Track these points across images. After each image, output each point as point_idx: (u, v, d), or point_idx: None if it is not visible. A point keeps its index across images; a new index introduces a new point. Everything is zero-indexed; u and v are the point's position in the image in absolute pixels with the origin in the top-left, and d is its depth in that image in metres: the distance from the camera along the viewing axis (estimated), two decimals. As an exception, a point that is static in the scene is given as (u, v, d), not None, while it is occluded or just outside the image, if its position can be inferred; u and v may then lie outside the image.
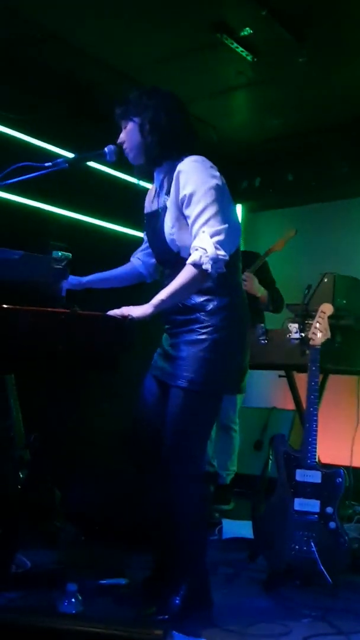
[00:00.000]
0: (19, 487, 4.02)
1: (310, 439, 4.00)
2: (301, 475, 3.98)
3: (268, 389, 7.04)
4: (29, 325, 2.75)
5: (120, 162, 3.56)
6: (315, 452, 3.99)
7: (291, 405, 5.71)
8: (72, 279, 3.64)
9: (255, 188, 7.49)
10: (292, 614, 3.58)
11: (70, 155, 3.57)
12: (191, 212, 3.26)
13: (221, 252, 3.16)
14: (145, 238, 3.80)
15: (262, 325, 5.17)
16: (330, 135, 6.82)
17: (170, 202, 3.39)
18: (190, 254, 3.21)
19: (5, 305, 2.69)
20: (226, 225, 3.22)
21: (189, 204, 3.27)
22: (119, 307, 3.12)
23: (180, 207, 3.33)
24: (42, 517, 4.46)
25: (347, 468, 4.11)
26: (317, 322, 4.26)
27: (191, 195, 3.26)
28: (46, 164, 3.36)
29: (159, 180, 3.54)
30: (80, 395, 3.91)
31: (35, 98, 5.67)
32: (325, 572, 3.74)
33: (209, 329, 3.35)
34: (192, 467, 3.44)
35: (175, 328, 3.48)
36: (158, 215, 3.50)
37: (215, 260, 3.14)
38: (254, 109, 6.64)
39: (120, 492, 4.51)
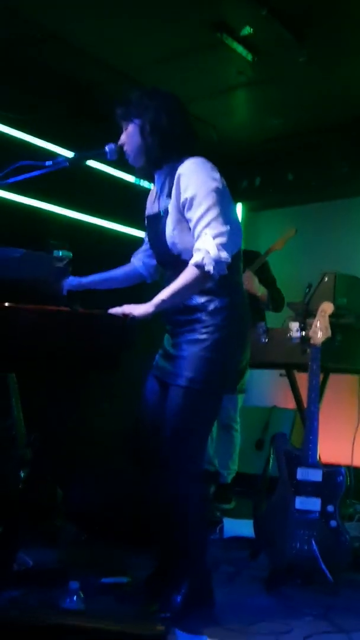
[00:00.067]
0: (20, 486, 4.03)
1: (311, 438, 4.01)
2: (302, 473, 3.98)
3: (269, 388, 7.05)
4: (30, 324, 2.75)
5: (121, 161, 3.56)
6: (316, 450, 4.00)
7: (292, 404, 5.71)
8: (72, 280, 3.65)
9: (256, 187, 7.50)
10: (293, 612, 3.58)
11: (71, 154, 3.57)
12: (193, 214, 3.26)
13: (224, 254, 3.17)
14: (146, 239, 3.81)
15: (263, 324, 5.17)
16: (330, 135, 6.83)
17: (171, 206, 3.39)
18: (191, 256, 3.22)
19: (6, 304, 2.70)
20: (228, 227, 3.22)
21: (190, 207, 3.28)
22: (120, 306, 3.12)
23: (181, 210, 3.33)
24: (43, 516, 4.47)
25: (347, 467, 4.10)
26: (318, 320, 4.26)
27: (192, 198, 3.27)
28: (46, 163, 3.36)
29: (160, 182, 3.54)
30: (81, 394, 3.90)
31: (35, 98, 5.68)
32: (326, 571, 3.75)
33: (210, 329, 3.36)
34: (191, 466, 3.44)
35: (176, 328, 3.48)
36: (159, 218, 3.50)
37: (217, 262, 3.15)
38: (254, 109, 6.65)
39: (121, 491, 4.52)
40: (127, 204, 4.99)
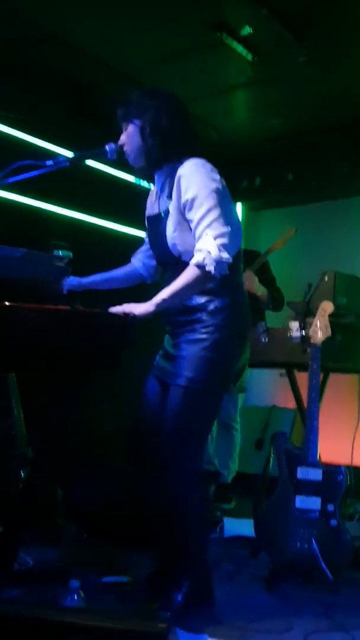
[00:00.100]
0: (21, 485, 4.04)
1: (311, 437, 4.02)
2: (302, 472, 3.99)
3: (269, 388, 7.06)
4: (30, 323, 2.75)
5: (121, 161, 3.57)
6: (317, 449, 4.00)
7: (292, 404, 5.72)
8: (73, 280, 3.65)
9: (256, 187, 7.50)
10: (294, 611, 3.59)
11: (71, 154, 3.58)
12: (194, 215, 3.27)
13: (225, 255, 3.17)
14: (146, 240, 3.81)
15: (263, 323, 5.18)
16: (330, 134, 6.83)
17: (172, 207, 3.39)
18: (192, 257, 3.22)
19: (7, 303, 2.70)
20: (229, 228, 3.23)
21: (191, 208, 3.28)
22: (120, 305, 3.13)
23: (182, 211, 3.33)
24: (44, 516, 4.47)
25: (347, 467, 4.10)
26: (318, 320, 4.26)
27: (193, 200, 3.27)
28: (47, 162, 3.37)
29: (160, 183, 3.54)
30: (81, 394, 3.91)
31: (35, 98, 5.68)
32: (326, 569, 3.76)
33: (210, 329, 3.36)
34: (191, 465, 3.43)
35: (177, 329, 3.48)
36: (160, 219, 3.50)
37: (218, 262, 3.16)
38: (254, 109, 6.65)
39: (121, 491, 4.52)
40: (128, 204, 4.99)
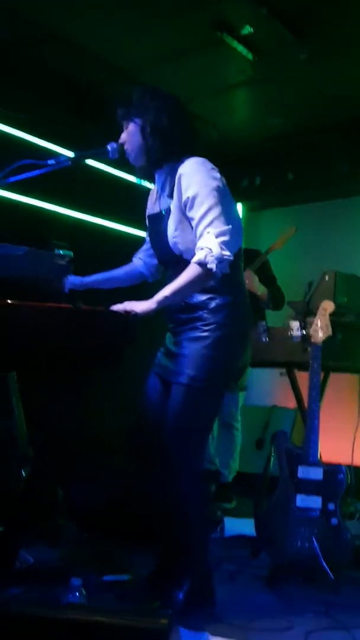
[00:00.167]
0: (22, 485, 4.04)
1: (311, 436, 4.02)
2: (303, 472, 3.99)
3: (269, 388, 7.05)
4: (32, 321, 2.76)
5: (123, 161, 3.57)
6: (317, 449, 4.00)
7: (292, 404, 5.72)
8: (74, 279, 3.66)
9: (256, 187, 7.51)
10: (294, 609, 3.59)
11: (71, 154, 3.59)
12: (195, 214, 3.27)
13: (226, 253, 3.18)
14: (147, 239, 3.82)
15: (264, 323, 5.18)
16: (330, 134, 6.84)
17: (173, 205, 3.40)
18: (193, 256, 3.23)
19: (9, 301, 2.71)
20: (230, 226, 3.23)
21: (192, 206, 3.29)
22: (121, 303, 3.14)
23: (183, 209, 3.34)
24: (44, 515, 4.47)
25: (348, 466, 4.10)
26: (319, 319, 4.27)
27: (194, 198, 3.28)
28: (49, 162, 3.37)
29: (160, 182, 3.55)
30: (83, 393, 3.91)
31: (35, 98, 5.68)
32: (327, 568, 3.76)
33: (211, 327, 3.37)
34: (192, 463, 3.44)
35: (178, 326, 3.49)
36: (161, 218, 3.51)
37: (220, 260, 3.16)
38: (255, 108, 6.66)
39: (122, 490, 4.52)
40: (129, 203, 4.99)
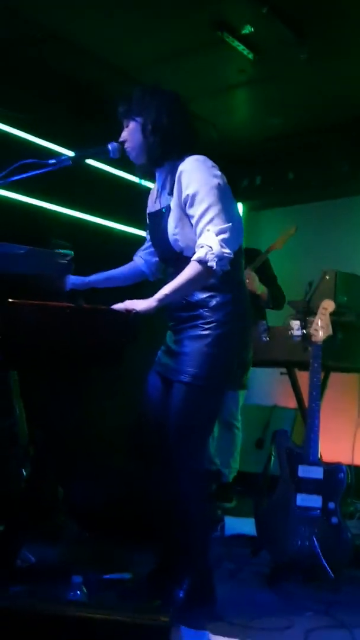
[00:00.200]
0: (23, 485, 4.04)
1: (312, 435, 4.02)
2: (303, 471, 4.00)
3: (270, 387, 7.05)
4: (33, 320, 2.77)
5: (123, 160, 3.58)
6: (317, 448, 4.01)
7: (293, 404, 5.73)
8: (75, 279, 3.67)
9: (256, 186, 7.52)
10: (295, 608, 3.60)
11: (71, 154, 3.59)
12: (195, 211, 3.28)
13: (226, 250, 3.18)
14: (148, 237, 3.83)
15: (264, 322, 5.18)
16: (330, 134, 6.84)
17: (173, 203, 3.41)
18: (193, 253, 3.23)
19: (10, 300, 2.71)
20: (230, 224, 3.24)
21: (192, 204, 3.29)
22: (122, 301, 3.14)
23: (183, 207, 3.35)
24: (45, 514, 4.47)
25: (348, 466, 4.11)
26: (319, 318, 4.27)
27: (194, 195, 3.28)
28: (50, 161, 3.37)
29: (161, 180, 3.56)
30: (83, 391, 3.92)
31: (35, 98, 5.68)
32: (327, 567, 3.76)
33: (212, 325, 3.37)
34: (193, 462, 3.44)
35: (179, 325, 3.49)
36: (161, 216, 3.51)
37: (220, 258, 3.17)
38: (255, 108, 6.66)
39: (122, 489, 4.52)
40: (129, 203, 4.99)
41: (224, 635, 3.17)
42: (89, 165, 5.64)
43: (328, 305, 4.33)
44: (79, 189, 5.84)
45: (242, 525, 4.92)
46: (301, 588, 3.87)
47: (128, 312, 3.06)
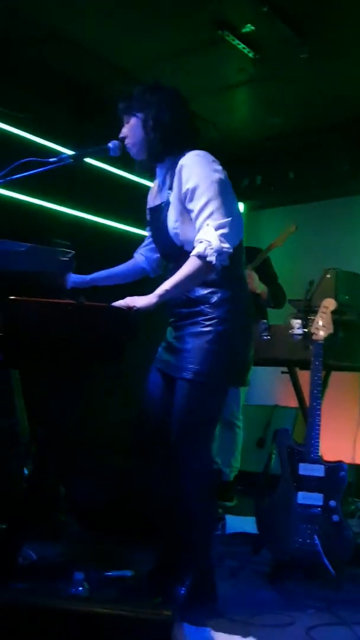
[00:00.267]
0: (24, 481, 4.05)
1: (313, 434, 4.02)
2: (304, 469, 3.99)
3: (271, 387, 7.06)
4: (35, 317, 2.78)
5: (124, 159, 3.59)
6: (318, 446, 4.01)
7: (294, 403, 5.73)
8: (76, 277, 3.67)
9: (257, 186, 7.53)
10: (296, 605, 3.60)
11: (72, 153, 3.61)
12: (194, 205, 3.28)
13: (225, 245, 3.18)
14: (149, 233, 3.83)
15: (265, 321, 5.18)
16: (330, 133, 6.85)
17: (173, 197, 3.41)
18: (194, 247, 3.24)
19: (12, 297, 2.72)
20: (230, 219, 3.24)
21: (192, 198, 3.30)
22: (122, 298, 3.15)
23: (183, 201, 3.35)
24: (47, 512, 4.48)
25: (349, 465, 4.11)
26: (320, 317, 4.27)
27: (194, 189, 3.29)
28: (50, 159, 3.38)
29: (162, 176, 3.57)
30: (85, 389, 3.92)
31: (35, 98, 5.69)
32: (328, 565, 3.76)
33: (213, 321, 3.37)
34: (198, 459, 3.43)
35: (179, 321, 3.49)
36: (161, 210, 3.52)
37: (219, 253, 3.17)
38: (255, 107, 6.66)
39: (123, 488, 4.53)
40: (129, 202, 5.00)
41: (225, 632, 3.17)
42: (89, 164, 5.65)
43: (329, 303, 4.33)
44: (79, 189, 5.85)
45: (243, 523, 4.93)
46: (302, 586, 3.87)
47: (129, 308, 3.07)
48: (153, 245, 3.76)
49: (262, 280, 5.60)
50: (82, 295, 3.07)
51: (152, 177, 3.70)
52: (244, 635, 3.17)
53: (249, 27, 5.00)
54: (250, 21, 4.93)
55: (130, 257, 3.97)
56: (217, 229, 3.19)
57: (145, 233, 3.93)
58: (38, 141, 5.79)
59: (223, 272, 3.29)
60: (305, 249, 6.96)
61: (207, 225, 3.21)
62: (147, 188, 3.83)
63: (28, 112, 5.64)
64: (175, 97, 3.50)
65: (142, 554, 3.98)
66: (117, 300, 3.16)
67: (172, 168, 3.44)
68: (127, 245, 4.09)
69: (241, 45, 5.19)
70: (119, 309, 3.06)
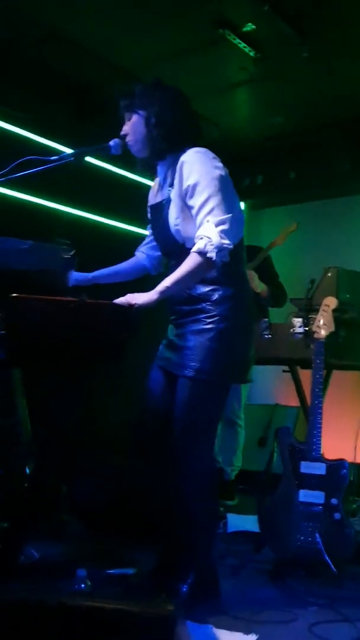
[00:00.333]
0: (26, 484, 4.05)
1: (314, 432, 4.02)
2: (306, 467, 4.00)
3: (272, 386, 7.07)
4: (37, 314, 2.78)
5: (125, 158, 3.59)
6: (320, 444, 4.01)
7: (295, 402, 5.74)
8: (78, 275, 3.67)
9: (258, 185, 7.53)
10: (298, 602, 3.60)
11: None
12: (195, 202, 3.29)
13: (226, 241, 3.19)
14: (150, 231, 3.84)
15: (266, 319, 5.18)
16: (331, 133, 6.85)
17: (174, 193, 3.42)
18: (195, 244, 3.24)
19: (14, 294, 2.72)
20: (230, 215, 3.25)
21: (192, 194, 3.30)
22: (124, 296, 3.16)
23: (184, 197, 3.36)
24: (49, 511, 4.48)
25: (351, 464, 4.11)
26: (321, 315, 4.28)
27: (195, 186, 3.29)
28: (52, 158, 3.38)
29: (163, 173, 3.57)
30: (86, 387, 3.93)
31: (35, 98, 5.69)
32: (330, 563, 3.76)
33: (214, 319, 3.37)
34: (199, 458, 3.44)
35: (181, 318, 3.50)
36: (162, 207, 3.53)
37: (220, 249, 3.17)
38: (256, 107, 6.65)
39: (124, 487, 4.53)
40: (130, 201, 5.00)
41: (227, 628, 3.18)
42: (90, 163, 5.65)
43: (330, 302, 4.33)
44: (80, 188, 5.84)
45: (244, 522, 4.93)
46: (304, 583, 3.87)
47: (130, 306, 3.08)
48: (154, 243, 3.77)
49: (262, 279, 5.61)
50: (84, 292, 3.07)
51: (152, 175, 3.71)
52: (246, 632, 3.18)
53: (250, 26, 4.99)
54: (251, 20, 4.94)
55: (132, 255, 3.97)
56: (217, 225, 3.19)
57: (147, 232, 3.93)
58: (39, 140, 5.78)
59: (224, 269, 3.30)
60: (306, 247, 6.98)
61: (208, 221, 3.21)
62: (148, 187, 3.84)
63: (28, 112, 5.64)
64: (177, 95, 3.51)
65: (142, 553, 3.97)
66: (119, 297, 3.16)
67: (173, 165, 3.45)
68: (128, 244, 4.09)
69: (242, 44, 5.18)
70: (120, 306, 3.07)
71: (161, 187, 3.60)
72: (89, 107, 5.96)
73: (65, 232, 4.13)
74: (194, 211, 3.29)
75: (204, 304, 3.40)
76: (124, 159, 3.62)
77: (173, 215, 3.42)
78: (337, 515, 3.89)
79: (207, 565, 3.50)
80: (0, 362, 2.88)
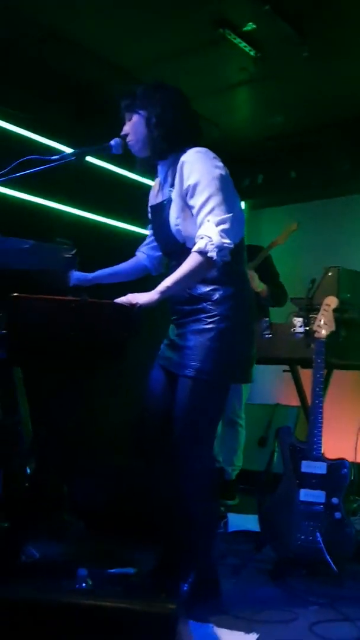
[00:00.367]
0: (27, 480, 4.05)
1: (315, 431, 4.03)
2: (307, 466, 4.00)
3: (272, 385, 7.07)
4: (38, 314, 2.79)
5: (126, 158, 3.59)
6: (321, 443, 4.01)
7: (295, 402, 5.74)
8: (79, 275, 3.67)
9: (258, 185, 7.54)
10: (299, 602, 3.61)
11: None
12: (196, 201, 3.29)
13: (226, 240, 3.19)
14: (150, 231, 3.84)
15: (267, 319, 5.18)
16: (331, 133, 6.85)
17: (174, 193, 3.42)
18: (195, 244, 3.24)
19: (15, 294, 2.72)
20: (231, 214, 3.25)
21: (193, 194, 3.30)
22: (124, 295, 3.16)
23: (184, 197, 3.36)
24: (50, 510, 4.48)
25: (351, 464, 4.11)
26: (322, 315, 4.28)
27: (195, 185, 3.29)
28: (52, 157, 3.38)
29: (163, 173, 3.58)
30: (87, 387, 3.93)
31: (35, 98, 5.69)
32: (330, 562, 3.76)
33: (215, 318, 3.38)
34: (199, 458, 3.44)
35: (182, 318, 3.50)
36: (163, 207, 3.53)
37: (220, 248, 3.17)
38: (257, 106, 6.66)
39: (125, 487, 4.53)
40: (131, 201, 5.01)
41: (228, 628, 3.18)
42: (91, 163, 5.65)
43: (331, 301, 4.34)
44: (81, 188, 5.84)
45: (245, 521, 4.93)
46: (305, 583, 3.87)
47: (131, 305, 3.08)
48: (155, 244, 3.77)
49: (263, 278, 5.61)
50: (85, 292, 3.07)
51: (153, 175, 3.71)
52: (247, 632, 3.18)
53: (250, 26, 4.99)
54: (252, 19, 4.94)
55: (132, 255, 3.97)
56: (217, 224, 3.19)
57: (147, 232, 3.93)
58: (39, 140, 5.78)
59: (225, 269, 3.30)
60: (306, 247, 6.98)
61: (208, 221, 3.21)
62: (149, 187, 3.84)
63: (28, 112, 5.64)
64: (178, 96, 3.51)
65: (142, 553, 3.97)
66: (119, 297, 3.16)
67: (173, 165, 3.45)
68: (129, 244, 4.10)
69: (242, 44, 5.18)
70: (121, 305, 3.07)
71: (162, 187, 3.60)
72: (89, 107, 5.97)
73: (66, 231, 4.12)
74: (194, 211, 3.29)
75: (204, 304, 3.40)
76: (125, 158, 3.62)
77: (174, 215, 3.42)
78: (337, 515, 3.89)
79: (208, 565, 3.51)
80: (1, 361, 2.88)
